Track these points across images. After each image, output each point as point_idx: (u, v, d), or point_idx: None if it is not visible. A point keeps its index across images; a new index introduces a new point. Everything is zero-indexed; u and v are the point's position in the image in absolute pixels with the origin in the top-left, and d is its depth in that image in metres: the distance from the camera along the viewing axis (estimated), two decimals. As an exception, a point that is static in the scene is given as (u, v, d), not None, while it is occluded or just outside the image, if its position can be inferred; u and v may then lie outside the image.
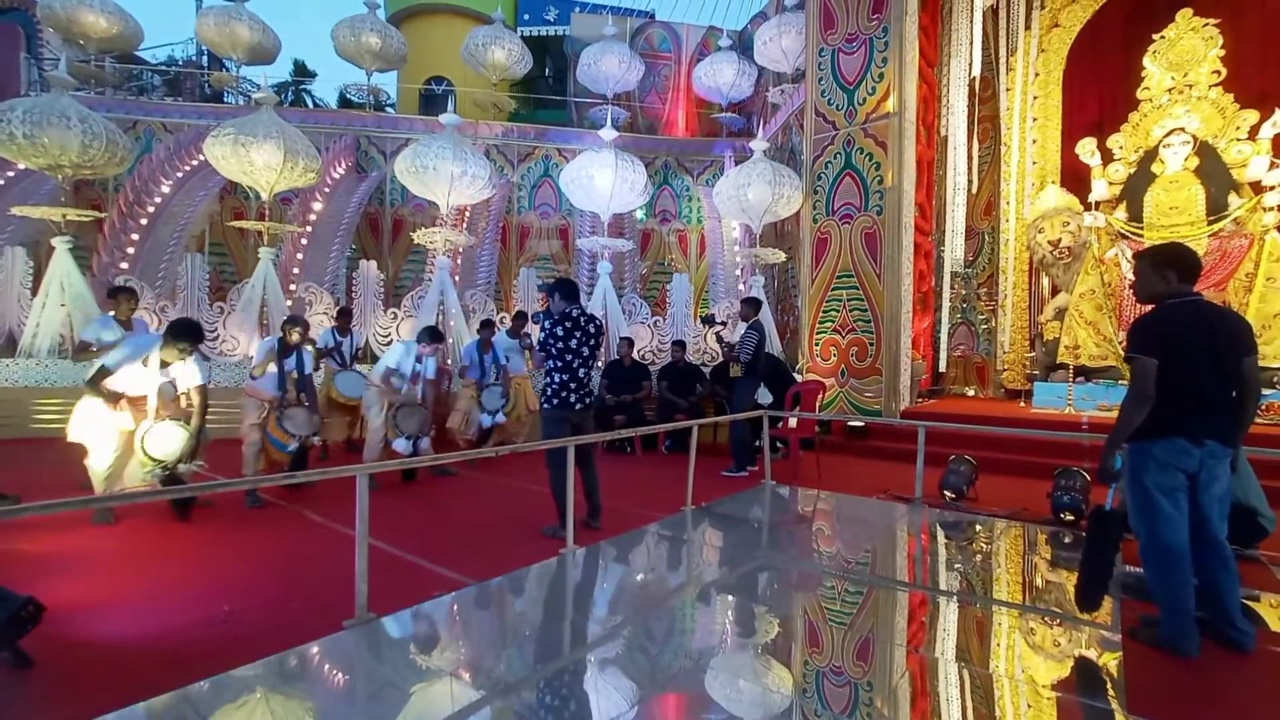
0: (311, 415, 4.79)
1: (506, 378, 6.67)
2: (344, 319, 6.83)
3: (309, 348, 5.14)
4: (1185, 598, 2.50)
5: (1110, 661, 2.45)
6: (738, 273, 11.44)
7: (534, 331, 5.94)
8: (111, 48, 12.65)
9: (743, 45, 14.14)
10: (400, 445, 5.14)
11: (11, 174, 10.24)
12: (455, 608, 2.88)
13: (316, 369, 5.65)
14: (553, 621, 2.88)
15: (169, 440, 3.87)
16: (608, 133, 9.20)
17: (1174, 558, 2.51)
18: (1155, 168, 8.18)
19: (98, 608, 2.75)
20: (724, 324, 8.09)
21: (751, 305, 6.42)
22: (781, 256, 9.64)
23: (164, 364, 3.94)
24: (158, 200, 10.52)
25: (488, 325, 6.78)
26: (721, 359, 7.47)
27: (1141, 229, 8.15)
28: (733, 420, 5.73)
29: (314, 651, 2.36)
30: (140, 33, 12.81)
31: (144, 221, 10.10)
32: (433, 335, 5.56)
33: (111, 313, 4.77)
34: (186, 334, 3.97)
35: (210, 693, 2.03)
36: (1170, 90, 8.20)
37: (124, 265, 9.28)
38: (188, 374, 3.99)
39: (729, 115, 14.29)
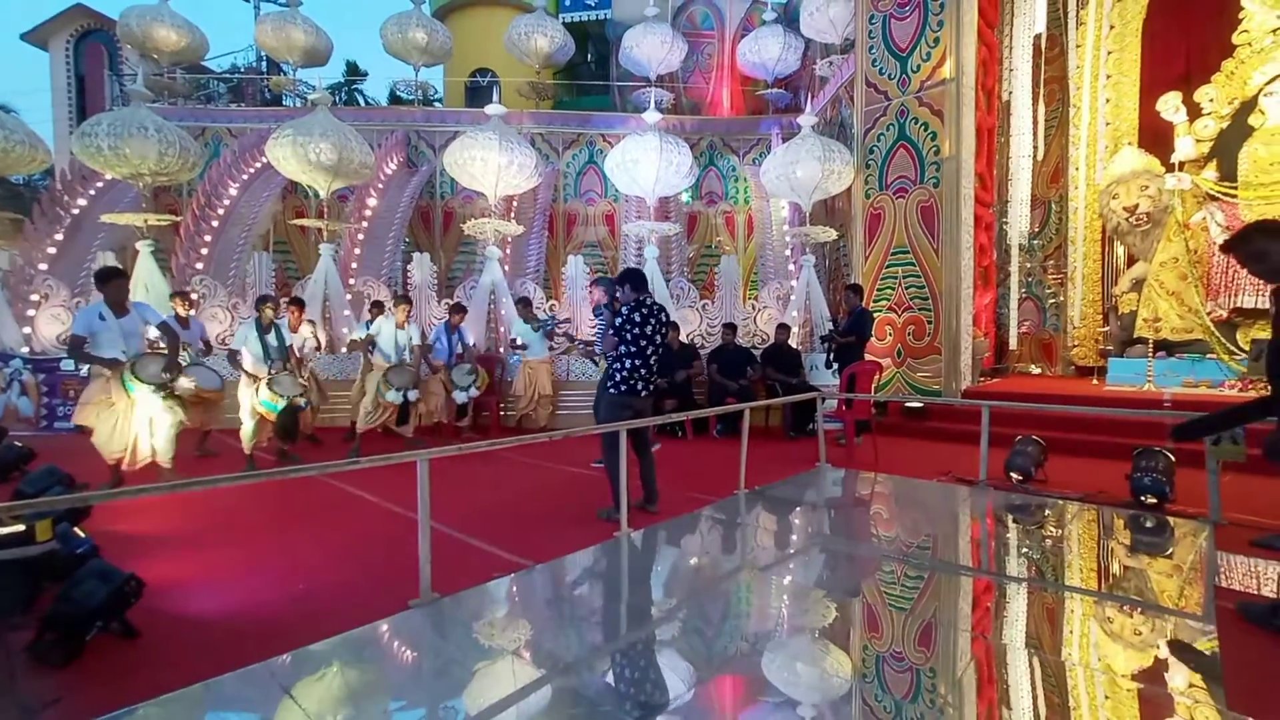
0: (295, 379, 5.44)
1: (473, 356, 7.13)
2: (376, 311, 7.28)
3: (285, 321, 5.85)
4: None
5: (1203, 653, 2.30)
6: (787, 253, 11.19)
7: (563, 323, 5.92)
8: (181, 59, 13.30)
9: (788, 18, 13.67)
10: (391, 396, 5.87)
11: (100, 185, 10.98)
12: (515, 589, 2.96)
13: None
14: (611, 603, 2.93)
15: (152, 367, 4.76)
16: (651, 115, 9.11)
17: None
18: (1253, 120, 7.48)
19: (187, 584, 2.95)
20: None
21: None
22: (833, 234, 9.35)
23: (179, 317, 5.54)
24: (226, 203, 11.09)
25: (458, 309, 7.27)
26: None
27: (1235, 189, 7.50)
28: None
29: (383, 629, 2.47)
30: (206, 44, 13.41)
31: (215, 223, 10.67)
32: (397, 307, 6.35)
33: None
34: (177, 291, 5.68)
35: (290, 665, 2.16)
36: (1275, 31, 7.42)
37: (199, 265, 9.84)
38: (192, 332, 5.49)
39: (775, 91, 13.88)
